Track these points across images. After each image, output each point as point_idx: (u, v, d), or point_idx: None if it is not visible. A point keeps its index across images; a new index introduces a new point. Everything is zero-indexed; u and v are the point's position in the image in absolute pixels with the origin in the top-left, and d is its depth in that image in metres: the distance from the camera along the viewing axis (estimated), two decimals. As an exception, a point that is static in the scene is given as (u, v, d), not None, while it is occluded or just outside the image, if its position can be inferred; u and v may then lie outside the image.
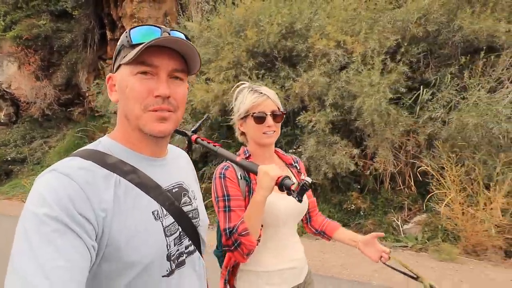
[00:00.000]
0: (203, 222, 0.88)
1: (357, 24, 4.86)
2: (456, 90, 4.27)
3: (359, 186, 4.67)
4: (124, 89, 0.72)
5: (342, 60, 4.67)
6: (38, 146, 10.39)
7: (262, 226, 1.20)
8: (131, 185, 0.71)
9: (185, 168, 0.94)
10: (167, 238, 0.75)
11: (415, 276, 1.27)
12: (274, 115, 1.27)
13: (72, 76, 10.60)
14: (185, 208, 0.82)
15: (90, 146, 0.75)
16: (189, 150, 1.36)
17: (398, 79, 4.59)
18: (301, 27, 5.15)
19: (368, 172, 4.42)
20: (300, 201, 1.04)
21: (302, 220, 1.44)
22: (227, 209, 1.20)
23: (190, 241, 0.82)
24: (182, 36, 0.76)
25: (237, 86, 1.38)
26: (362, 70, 4.37)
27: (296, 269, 1.32)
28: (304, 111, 4.74)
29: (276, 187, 1.10)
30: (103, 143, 0.76)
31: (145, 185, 0.73)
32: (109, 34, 10.24)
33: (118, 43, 0.77)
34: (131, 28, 0.74)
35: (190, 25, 6.24)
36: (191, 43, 0.73)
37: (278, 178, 1.08)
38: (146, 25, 0.74)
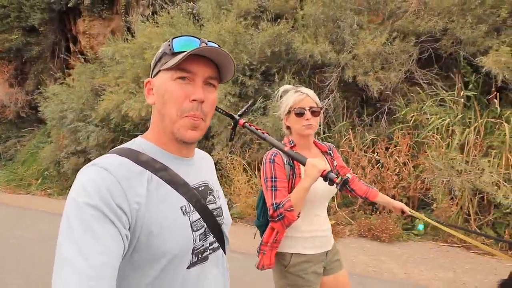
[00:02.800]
0: (226, 220, 0.92)
1: (227, 43, 6.10)
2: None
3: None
4: (163, 93, 0.78)
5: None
6: (12, 144, 11.93)
7: None
8: (162, 181, 0.76)
9: (210, 169, 1.00)
10: (193, 232, 0.79)
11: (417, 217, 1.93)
12: (312, 111, 1.49)
13: (41, 83, 12.09)
14: (210, 206, 0.86)
15: (125, 145, 0.81)
16: (233, 131, 1.47)
17: (241, 89, 5.85)
18: (183, 49, 6.42)
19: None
20: (340, 190, 1.27)
21: (346, 191, 1.71)
22: (274, 188, 1.42)
23: (214, 238, 0.86)
24: (218, 47, 0.80)
25: (282, 89, 1.62)
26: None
27: (326, 237, 1.58)
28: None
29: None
30: (137, 142, 0.81)
31: (174, 182, 0.78)
32: (72, 47, 11.71)
33: (159, 51, 0.82)
34: (173, 38, 0.79)
35: (106, 49, 7.56)
36: (227, 52, 0.78)
37: (324, 171, 1.27)
38: (186, 35, 0.79)
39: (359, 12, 5.66)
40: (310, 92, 1.52)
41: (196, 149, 0.95)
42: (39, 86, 11.96)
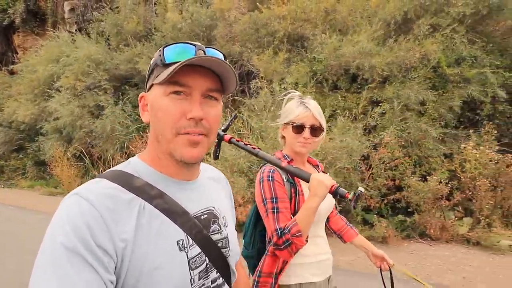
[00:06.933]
0: (233, 252, 0.83)
1: (90, 66, 7.80)
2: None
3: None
4: (157, 111, 0.70)
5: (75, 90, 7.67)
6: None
7: None
8: (156, 212, 0.68)
9: (219, 192, 0.89)
10: (191, 271, 0.70)
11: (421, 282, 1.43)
12: (313, 129, 1.37)
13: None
14: (214, 237, 0.77)
15: (119, 167, 0.73)
16: (218, 148, 1.33)
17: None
18: (63, 67, 8.15)
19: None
20: (355, 207, 1.17)
21: None
22: (275, 210, 1.27)
23: (218, 273, 0.77)
24: (218, 54, 0.73)
25: (287, 94, 1.50)
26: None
27: (330, 260, 1.45)
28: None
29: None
30: (132, 164, 0.74)
31: (171, 212, 0.70)
32: (16, 58, 13.46)
33: (152, 62, 0.74)
34: (165, 46, 0.72)
35: (24, 63, 9.36)
36: (226, 62, 0.70)
37: (332, 186, 1.16)
38: (181, 42, 0.71)
39: (196, 38, 7.33)
40: (316, 108, 1.40)
41: (207, 166, 0.89)
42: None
